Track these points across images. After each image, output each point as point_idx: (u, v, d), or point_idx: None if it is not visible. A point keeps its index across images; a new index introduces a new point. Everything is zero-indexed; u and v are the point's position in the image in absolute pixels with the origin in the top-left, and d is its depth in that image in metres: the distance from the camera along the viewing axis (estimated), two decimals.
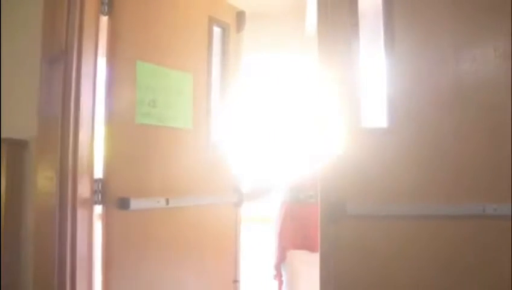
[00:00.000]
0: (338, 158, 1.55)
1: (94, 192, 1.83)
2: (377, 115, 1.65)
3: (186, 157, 2.16)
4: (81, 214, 1.74)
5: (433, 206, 1.53)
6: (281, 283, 2.40)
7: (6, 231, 1.66)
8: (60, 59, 1.72)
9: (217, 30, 2.43)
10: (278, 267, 2.38)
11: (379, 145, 1.57)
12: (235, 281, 2.30)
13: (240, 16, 2.59)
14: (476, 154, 1.55)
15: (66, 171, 1.70)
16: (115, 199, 1.87)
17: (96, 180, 1.84)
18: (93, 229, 1.82)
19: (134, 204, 1.89)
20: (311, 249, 2.21)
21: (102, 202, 1.85)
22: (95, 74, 1.83)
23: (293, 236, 2.32)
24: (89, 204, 1.79)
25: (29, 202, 1.72)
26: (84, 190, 1.76)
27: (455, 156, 1.55)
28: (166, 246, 2.06)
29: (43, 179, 1.68)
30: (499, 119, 1.55)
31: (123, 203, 1.87)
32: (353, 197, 1.53)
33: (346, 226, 1.52)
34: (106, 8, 1.90)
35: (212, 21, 2.39)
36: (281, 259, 2.36)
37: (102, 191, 1.85)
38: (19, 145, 1.71)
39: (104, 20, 1.91)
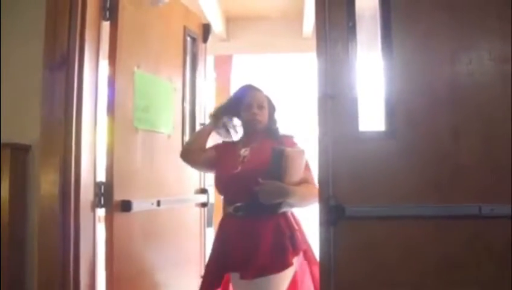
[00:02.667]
0: (336, 161, 1.57)
1: (96, 195, 1.86)
2: (375, 117, 1.67)
3: (168, 161, 2.24)
4: (83, 217, 1.77)
5: (430, 207, 1.54)
6: None
7: (11, 233, 1.68)
8: (62, 64, 1.75)
9: (187, 40, 2.52)
10: None
11: (377, 149, 1.57)
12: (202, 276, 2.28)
13: (206, 28, 2.69)
14: (472, 155, 1.55)
15: (69, 175, 1.73)
16: (117, 201, 1.90)
17: (98, 184, 1.87)
18: (96, 231, 1.85)
19: (135, 206, 1.93)
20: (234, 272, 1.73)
21: (105, 204, 1.88)
22: (96, 79, 1.87)
23: (216, 258, 1.83)
24: (92, 207, 1.83)
25: (33, 205, 1.74)
26: (86, 193, 1.80)
27: (452, 158, 1.56)
28: (155, 245, 2.13)
29: (46, 183, 1.71)
30: (494, 120, 1.55)
31: (125, 206, 1.91)
32: (351, 199, 1.54)
33: (345, 228, 1.53)
34: (108, 13, 1.93)
35: (186, 31, 2.47)
36: (205, 286, 1.83)
37: (105, 194, 1.88)
38: (22, 150, 1.74)
39: (105, 25, 1.94)
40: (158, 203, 2.05)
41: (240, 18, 4.81)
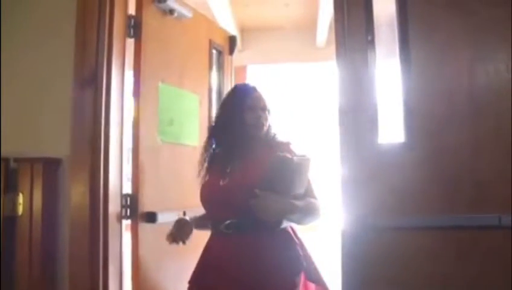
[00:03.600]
0: (356, 173, 1.61)
1: (123, 207, 1.92)
2: (393, 128, 1.70)
3: (193, 172, 2.24)
4: (111, 227, 1.83)
5: (450, 217, 1.57)
6: None
7: (43, 243, 1.75)
8: (91, 81, 1.82)
9: (213, 53, 2.57)
10: None
11: (397, 160, 1.60)
12: None
13: (232, 40, 2.72)
14: (491, 166, 1.57)
15: (98, 187, 1.79)
16: (142, 213, 1.96)
17: (125, 196, 1.94)
18: (123, 242, 1.91)
19: (161, 218, 1.99)
20: None
21: (131, 216, 1.94)
22: (123, 95, 1.94)
23: (202, 281, 1.62)
24: (118, 219, 1.89)
25: (64, 216, 1.80)
26: (113, 205, 1.86)
27: (471, 168, 1.58)
28: (181, 256, 2.12)
29: (76, 195, 1.78)
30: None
31: (151, 217, 1.96)
32: (373, 210, 1.57)
33: (367, 238, 1.56)
34: (132, 31, 2.01)
35: (211, 44, 2.52)
36: None
37: (131, 206, 1.94)
38: (54, 163, 1.81)
39: (129, 42, 2.01)
40: (184, 215, 2.09)
41: (253, 29, 4.88)
